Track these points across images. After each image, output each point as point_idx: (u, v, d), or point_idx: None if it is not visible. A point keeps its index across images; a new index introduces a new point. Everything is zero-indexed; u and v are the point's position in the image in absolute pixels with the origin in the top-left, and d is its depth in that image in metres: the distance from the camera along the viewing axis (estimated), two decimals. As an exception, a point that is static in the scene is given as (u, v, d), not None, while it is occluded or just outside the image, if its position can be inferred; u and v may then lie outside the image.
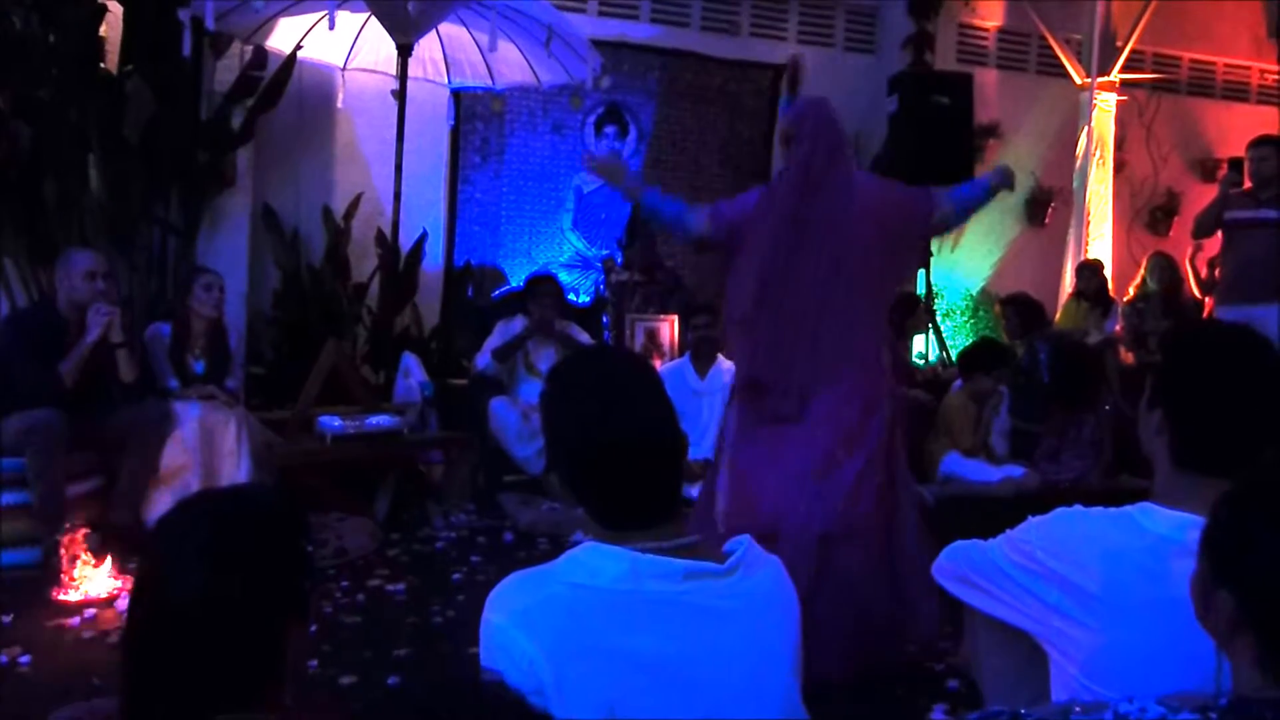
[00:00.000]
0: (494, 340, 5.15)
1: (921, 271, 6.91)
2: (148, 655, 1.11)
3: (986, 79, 7.37)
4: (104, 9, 4.90)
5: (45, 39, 4.62)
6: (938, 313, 6.95)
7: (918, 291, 6.85)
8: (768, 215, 2.88)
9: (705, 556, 1.23)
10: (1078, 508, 1.47)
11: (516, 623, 1.16)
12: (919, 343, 6.72)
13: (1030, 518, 1.55)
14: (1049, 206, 7.64)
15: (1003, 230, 7.65)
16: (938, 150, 6.52)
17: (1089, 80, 7.34)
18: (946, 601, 1.80)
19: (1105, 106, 7.42)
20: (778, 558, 1.32)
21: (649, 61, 6.66)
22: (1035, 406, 5.58)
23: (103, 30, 4.94)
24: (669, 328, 6.06)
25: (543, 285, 5.26)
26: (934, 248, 6.97)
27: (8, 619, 3.15)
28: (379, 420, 4.40)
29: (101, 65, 4.92)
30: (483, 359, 5.13)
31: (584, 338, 5.26)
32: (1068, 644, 1.39)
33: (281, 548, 1.16)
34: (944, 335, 6.86)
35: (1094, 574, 1.35)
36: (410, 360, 5.07)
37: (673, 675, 1.15)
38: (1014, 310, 6.19)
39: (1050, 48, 7.42)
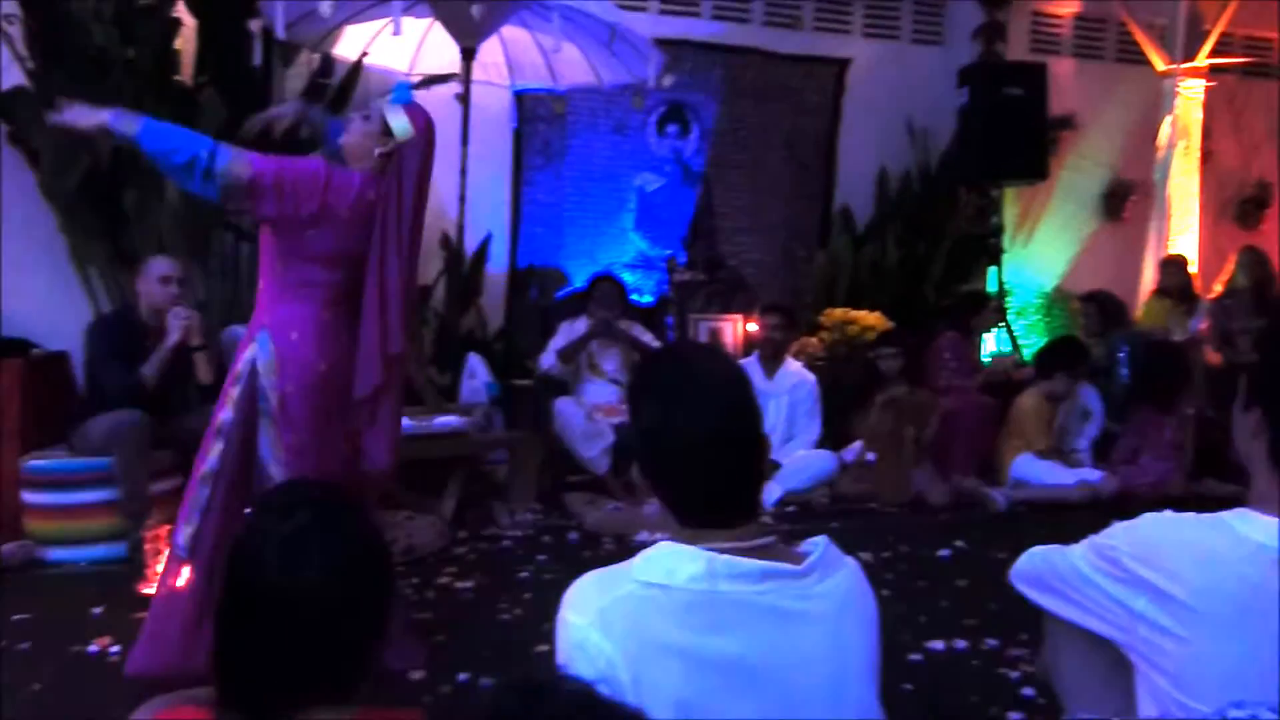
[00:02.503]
0: (558, 341, 5.17)
1: (992, 269, 6.78)
2: (242, 644, 1.13)
3: (1062, 68, 7.18)
4: (178, 22, 5.05)
5: (123, 53, 4.76)
6: (1008, 311, 6.80)
7: (987, 289, 6.72)
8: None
9: (781, 557, 1.22)
10: (1168, 513, 1.41)
11: (593, 622, 1.15)
12: (989, 342, 6.58)
13: (1115, 522, 1.50)
14: (1127, 200, 7.42)
15: (1078, 225, 7.45)
16: (1010, 144, 6.37)
17: (1173, 66, 7.11)
18: (1025, 607, 1.75)
19: (1190, 94, 7.17)
20: (855, 560, 1.29)
21: (711, 59, 6.63)
22: (1113, 407, 5.44)
23: (177, 43, 5.08)
24: (733, 327, 6.03)
25: (605, 285, 5.26)
26: (1005, 244, 6.84)
27: (98, 610, 3.27)
28: (446, 421, 4.45)
29: (176, 77, 5.05)
30: (547, 359, 5.15)
31: (647, 338, 5.26)
32: (1156, 654, 1.34)
33: (376, 541, 1.18)
34: (1015, 334, 6.71)
35: (1186, 582, 1.30)
36: (475, 361, 5.12)
37: (748, 677, 1.14)
38: (1095, 307, 6.03)
39: (1130, 34, 7.20)
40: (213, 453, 2.62)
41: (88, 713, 2.50)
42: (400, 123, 2.66)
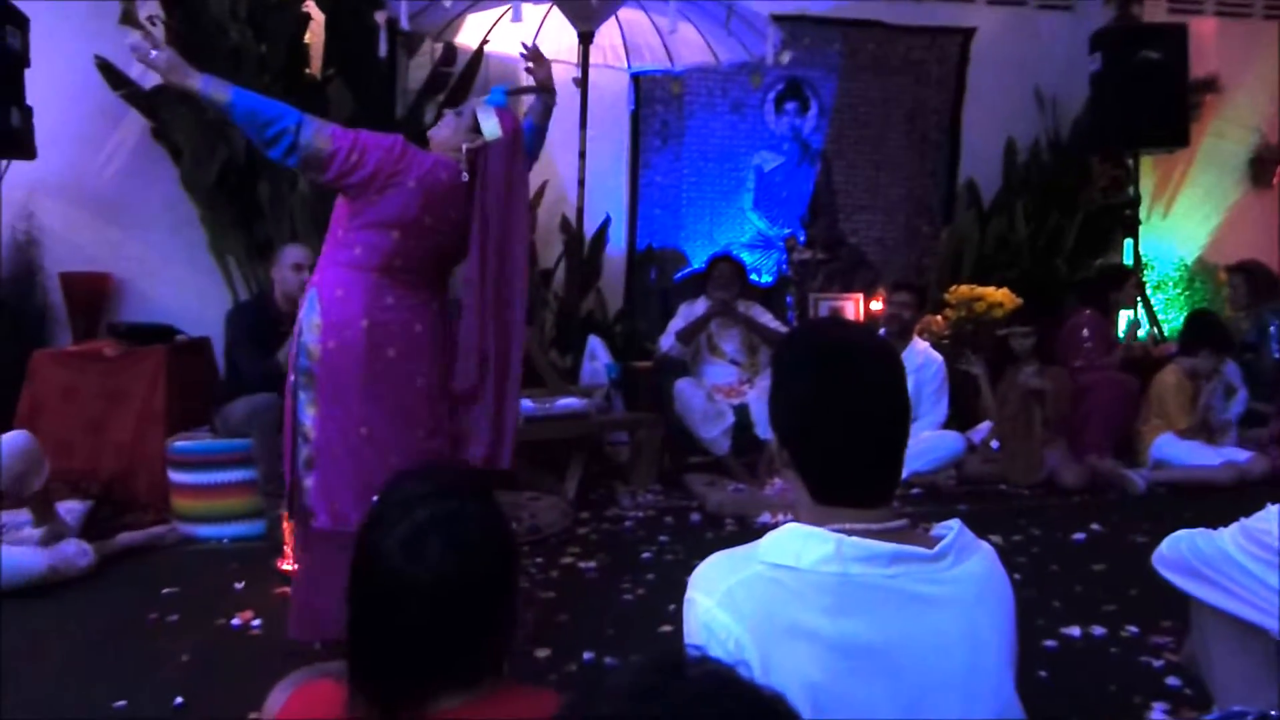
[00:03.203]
0: (677, 322, 5.18)
1: (1128, 241, 6.46)
2: (370, 631, 1.16)
3: (1203, 29, 6.77)
4: (308, 18, 5.24)
5: (257, 49, 4.97)
6: (1147, 285, 6.47)
7: (1124, 262, 6.41)
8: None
9: (914, 540, 1.19)
10: (1330, 494, 1.33)
11: (720, 601, 1.14)
12: (1126, 318, 6.28)
13: (1268, 505, 1.42)
14: (1278, 166, 6.96)
15: (1222, 194, 7.03)
16: (1147, 110, 6.06)
17: (1328, 20, 6.62)
18: (1168, 593, 1.67)
19: (1349, 49, 6.67)
20: (990, 545, 1.25)
21: (830, 34, 6.50)
22: (1261, 384, 5.15)
23: (306, 38, 5.27)
24: (854, 306, 5.92)
25: (724, 266, 5.24)
26: (1142, 214, 6.50)
27: (239, 585, 3.45)
28: (568, 402, 4.51)
29: (306, 70, 5.25)
30: (667, 341, 5.16)
31: (767, 319, 5.21)
32: (1319, 644, 1.26)
33: (499, 534, 1.19)
34: (1154, 309, 6.39)
35: (1351, 568, 1.21)
36: (595, 344, 5.17)
37: (880, 661, 1.11)
38: (1243, 279, 5.69)
39: (1279, -12, 6.74)
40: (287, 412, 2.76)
41: (232, 681, 2.63)
42: (490, 123, 2.73)
